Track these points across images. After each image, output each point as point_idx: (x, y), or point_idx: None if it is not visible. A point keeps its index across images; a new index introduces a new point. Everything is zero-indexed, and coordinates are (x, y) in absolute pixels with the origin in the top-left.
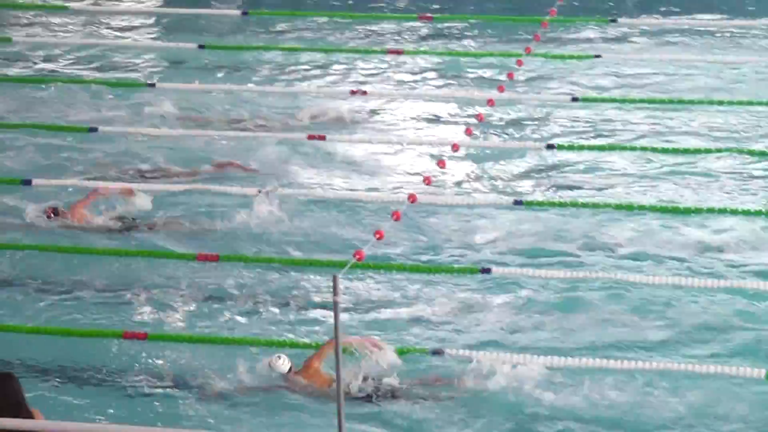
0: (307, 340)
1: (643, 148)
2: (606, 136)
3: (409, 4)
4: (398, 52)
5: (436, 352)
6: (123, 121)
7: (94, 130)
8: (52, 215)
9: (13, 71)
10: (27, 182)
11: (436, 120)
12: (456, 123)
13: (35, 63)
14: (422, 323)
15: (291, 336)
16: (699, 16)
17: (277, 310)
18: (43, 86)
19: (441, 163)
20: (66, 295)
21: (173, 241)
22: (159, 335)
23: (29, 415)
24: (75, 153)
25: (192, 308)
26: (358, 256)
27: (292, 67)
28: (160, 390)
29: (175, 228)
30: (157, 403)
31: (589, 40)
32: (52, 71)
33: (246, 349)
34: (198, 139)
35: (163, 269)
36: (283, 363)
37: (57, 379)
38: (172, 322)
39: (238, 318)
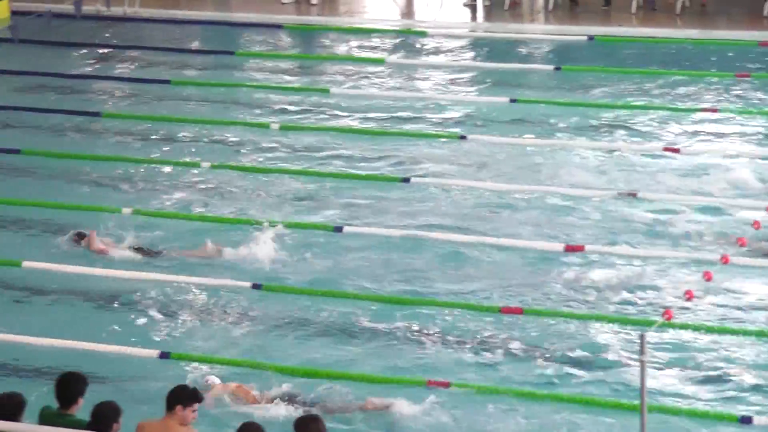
0: (612, 399)
1: None
2: None
3: (725, 61)
4: (713, 110)
5: (745, 420)
6: (434, 173)
7: (406, 180)
8: (79, 241)
9: (331, 124)
10: (338, 229)
11: (749, 181)
12: None
13: (350, 115)
14: (730, 388)
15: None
16: None
17: (582, 368)
18: (357, 138)
19: (756, 224)
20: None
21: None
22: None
23: None
24: (387, 203)
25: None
26: (666, 316)
27: (602, 123)
28: None
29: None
30: None
31: None
32: (365, 122)
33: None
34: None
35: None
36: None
37: None
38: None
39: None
